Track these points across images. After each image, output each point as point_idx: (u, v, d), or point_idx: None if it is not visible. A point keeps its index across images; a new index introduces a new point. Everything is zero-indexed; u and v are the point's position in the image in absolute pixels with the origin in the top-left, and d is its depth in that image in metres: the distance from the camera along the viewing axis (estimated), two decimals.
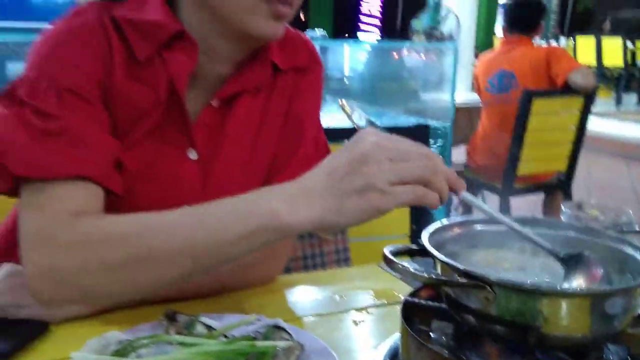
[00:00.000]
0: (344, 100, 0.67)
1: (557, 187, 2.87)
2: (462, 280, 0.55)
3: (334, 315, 0.78)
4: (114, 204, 0.73)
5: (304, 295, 0.87)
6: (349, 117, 0.65)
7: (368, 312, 0.79)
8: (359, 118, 0.65)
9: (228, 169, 0.82)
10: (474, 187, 3.07)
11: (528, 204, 3.58)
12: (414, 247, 0.65)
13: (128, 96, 0.74)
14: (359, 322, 0.76)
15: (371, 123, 0.64)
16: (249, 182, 0.84)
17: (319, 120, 0.92)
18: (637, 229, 0.74)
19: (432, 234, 0.64)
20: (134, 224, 0.65)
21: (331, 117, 2.87)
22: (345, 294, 0.85)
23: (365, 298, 0.84)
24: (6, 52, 2.71)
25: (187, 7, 0.77)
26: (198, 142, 0.80)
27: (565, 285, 0.59)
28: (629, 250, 0.60)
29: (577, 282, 0.58)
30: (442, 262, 0.57)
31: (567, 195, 2.83)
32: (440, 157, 0.60)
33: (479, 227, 0.68)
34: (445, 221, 0.67)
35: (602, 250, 0.62)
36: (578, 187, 4.21)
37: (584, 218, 0.81)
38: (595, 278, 0.58)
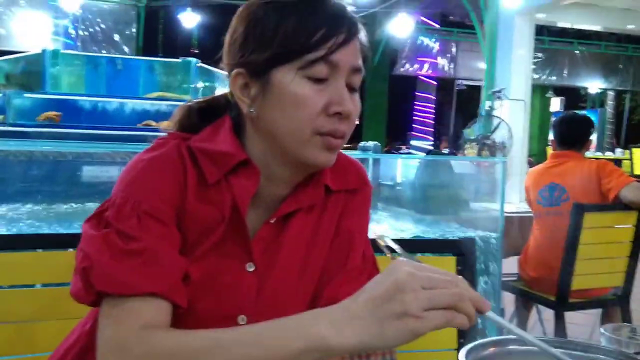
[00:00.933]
0: (379, 236, 0.74)
1: (614, 303, 2.79)
2: None
3: None
4: (177, 309, 0.81)
5: None
6: (383, 248, 0.72)
7: None
8: (393, 249, 0.73)
9: (282, 279, 0.90)
10: (527, 300, 3.02)
11: (586, 319, 3.46)
12: None
13: (197, 215, 0.84)
14: None
15: (405, 254, 0.71)
16: (301, 291, 0.92)
17: (367, 236, 1.00)
18: None
19: (469, 352, 0.69)
20: (199, 341, 0.71)
21: (385, 225, 2.94)
22: None
23: None
24: (83, 157, 2.96)
25: (252, 138, 0.88)
26: (255, 255, 0.88)
27: None
28: None
29: None
30: None
31: (625, 312, 2.74)
32: (466, 282, 0.66)
33: (513, 346, 0.72)
34: (482, 340, 0.72)
35: None
36: (639, 302, 4.04)
37: (623, 341, 0.84)
38: None
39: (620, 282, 2.74)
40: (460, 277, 0.66)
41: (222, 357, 0.69)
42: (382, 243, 0.74)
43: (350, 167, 0.99)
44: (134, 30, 12.01)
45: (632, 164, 7.93)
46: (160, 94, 4.63)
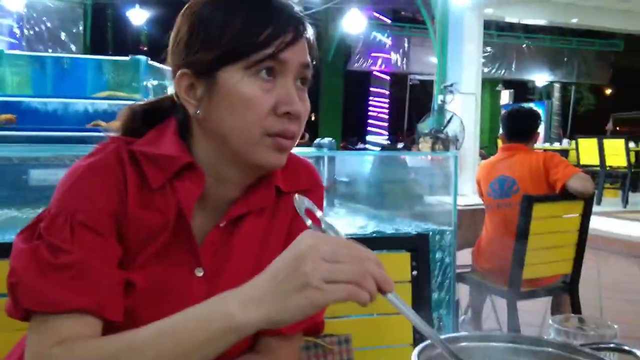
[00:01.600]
0: (297, 197, 0.72)
1: (564, 290, 2.87)
2: None
3: None
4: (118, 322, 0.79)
5: None
6: (300, 213, 0.71)
7: None
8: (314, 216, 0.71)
9: (233, 283, 0.87)
10: (481, 291, 3.08)
11: (537, 307, 3.56)
12: None
13: (139, 221, 0.82)
14: None
15: (324, 222, 0.70)
16: None
17: None
18: (616, 344, 0.78)
19: (421, 351, 0.69)
20: (114, 345, 0.71)
21: (343, 222, 2.95)
22: None
23: None
24: (29, 161, 2.86)
25: (199, 140, 0.86)
26: (204, 260, 0.86)
27: None
28: None
29: None
30: None
31: (574, 298, 2.82)
32: (375, 257, 0.66)
33: (465, 343, 0.72)
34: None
35: None
36: (588, 288, 4.19)
37: (571, 332, 0.85)
38: None
39: (569, 270, 2.82)
40: (371, 253, 0.66)
41: (133, 358, 0.69)
42: (299, 207, 0.71)
43: (301, 167, 0.98)
44: (81, 28, 11.66)
45: (577, 154, 8.20)
46: (110, 93, 4.51)
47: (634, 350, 0.74)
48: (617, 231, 6.29)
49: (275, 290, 0.65)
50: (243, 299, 0.67)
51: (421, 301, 1.39)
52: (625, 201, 7.65)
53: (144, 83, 4.61)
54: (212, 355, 0.69)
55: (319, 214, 0.71)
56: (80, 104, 4.32)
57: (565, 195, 2.70)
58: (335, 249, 0.64)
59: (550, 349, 0.70)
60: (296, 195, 0.73)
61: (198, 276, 0.86)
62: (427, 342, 0.70)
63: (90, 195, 0.80)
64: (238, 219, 0.89)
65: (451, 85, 7.01)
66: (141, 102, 0.94)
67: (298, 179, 0.96)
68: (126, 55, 5.00)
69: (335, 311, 1.28)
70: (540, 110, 3.31)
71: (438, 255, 2.69)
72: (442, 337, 0.73)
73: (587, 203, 2.74)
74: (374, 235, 2.52)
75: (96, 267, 0.77)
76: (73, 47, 11.39)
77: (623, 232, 6.25)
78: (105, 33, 13.98)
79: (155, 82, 4.83)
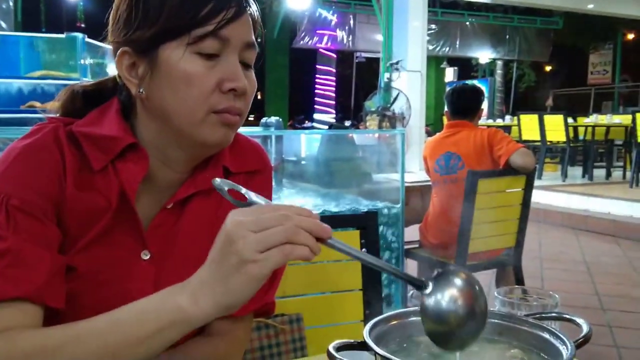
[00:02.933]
0: (216, 180, 0.71)
1: (508, 263, 2.97)
2: None
3: None
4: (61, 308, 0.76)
5: None
6: (224, 196, 0.70)
7: None
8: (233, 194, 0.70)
9: (180, 266, 0.87)
10: (429, 266, 3.14)
11: (482, 279, 3.66)
12: (358, 341, 0.70)
13: (80, 203, 0.79)
14: None
15: (249, 196, 0.70)
16: None
17: None
18: (558, 313, 0.82)
19: (373, 327, 0.70)
20: (57, 338, 0.69)
21: (292, 202, 2.94)
22: None
23: None
24: None
25: (143, 120, 0.84)
26: (151, 242, 0.84)
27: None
28: (546, 335, 0.67)
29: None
30: (379, 355, 0.63)
31: (518, 270, 2.92)
32: (304, 209, 0.66)
33: (415, 318, 0.73)
34: (384, 315, 0.73)
35: (525, 336, 0.68)
36: (530, 259, 4.34)
37: (515, 303, 0.88)
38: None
39: (513, 243, 2.92)
40: (298, 207, 0.66)
41: (79, 349, 0.67)
42: (221, 189, 0.70)
43: (249, 148, 0.96)
44: (11, 3, 11.04)
45: (519, 130, 8.43)
46: (45, 72, 4.30)
47: (574, 317, 0.76)
48: (557, 204, 6.55)
49: (215, 275, 0.64)
50: (191, 291, 0.66)
51: (371, 278, 1.41)
52: (565, 175, 7.93)
53: (82, 62, 4.41)
54: (162, 347, 0.68)
55: (242, 190, 0.70)
56: (13, 84, 4.12)
57: (509, 170, 2.77)
58: (258, 217, 0.64)
59: (496, 320, 0.72)
60: (214, 180, 0.71)
61: (144, 259, 0.84)
62: (378, 317, 0.71)
63: (26, 178, 0.77)
64: (185, 201, 0.87)
65: (397, 62, 7.05)
66: (83, 83, 0.90)
67: (246, 160, 0.95)
68: (62, 32, 4.78)
69: (286, 291, 1.28)
70: (483, 87, 3.38)
71: (387, 231, 2.73)
72: (392, 312, 0.75)
73: (529, 177, 2.83)
74: (323, 213, 2.53)
75: (34, 253, 0.74)
76: (3, 24, 10.80)
77: (562, 205, 6.51)
78: (38, 9, 13.33)
79: (93, 61, 4.64)
